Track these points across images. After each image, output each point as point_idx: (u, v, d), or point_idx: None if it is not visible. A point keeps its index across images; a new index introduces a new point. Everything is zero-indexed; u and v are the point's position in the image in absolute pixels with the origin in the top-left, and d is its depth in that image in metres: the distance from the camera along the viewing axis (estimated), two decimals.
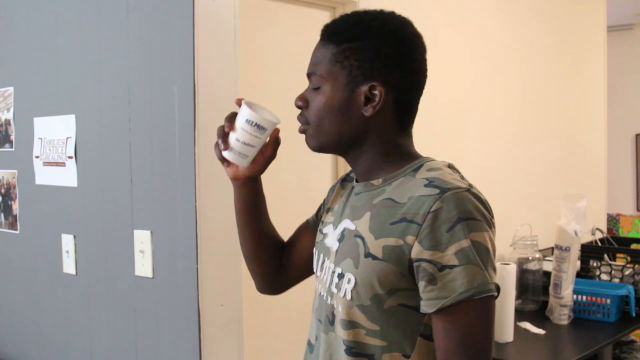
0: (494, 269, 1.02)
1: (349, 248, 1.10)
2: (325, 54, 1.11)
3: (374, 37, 1.08)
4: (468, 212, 0.99)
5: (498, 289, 1.00)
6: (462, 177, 1.09)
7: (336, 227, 1.17)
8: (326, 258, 1.17)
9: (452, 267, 0.97)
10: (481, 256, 0.98)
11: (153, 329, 1.85)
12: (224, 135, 1.17)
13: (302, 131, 1.16)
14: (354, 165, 1.16)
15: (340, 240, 1.13)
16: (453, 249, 0.97)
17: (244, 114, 1.15)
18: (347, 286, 1.07)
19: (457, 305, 0.98)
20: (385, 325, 1.05)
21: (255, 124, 1.14)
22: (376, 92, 1.08)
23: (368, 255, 1.05)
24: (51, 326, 2.20)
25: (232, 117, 1.16)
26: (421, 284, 1.00)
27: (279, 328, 2.18)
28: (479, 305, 0.98)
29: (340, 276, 1.09)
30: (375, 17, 1.11)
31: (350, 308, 1.07)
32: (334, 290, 1.11)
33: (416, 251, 1.00)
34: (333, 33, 1.11)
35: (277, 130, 1.19)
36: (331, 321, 1.12)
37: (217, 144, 1.18)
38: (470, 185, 1.04)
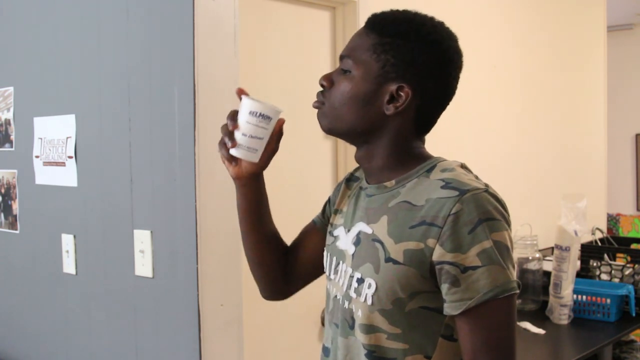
0: (514, 266, 1.03)
1: (368, 252, 1.09)
2: (365, 41, 1.10)
3: (418, 40, 1.07)
4: (488, 212, 1.00)
5: (519, 285, 1.01)
6: (477, 177, 1.09)
7: (349, 230, 1.16)
8: (341, 261, 1.16)
9: (475, 268, 0.98)
10: (502, 255, 0.99)
11: (153, 329, 1.85)
12: (229, 133, 1.14)
13: (316, 106, 1.14)
14: (365, 163, 1.15)
15: (356, 243, 1.12)
16: (475, 250, 0.98)
17: (246, 107, 1.12)
18: (368, 291, 1.07)
19: (482, 306, 0.98)
20: (407, 328, 1.05)
21: (260, 114, 1.12)
22: (402, 93, 1.07)
23: (389, 260, 1.04)
24: (51, 326, 2.20)
25: (234, 116, 1.14)
26: (444, 287, 1.01)
27: (279, 328, 2.18)
28: (502, 304, 0.99)
29: (360, 281, 1.09)
30: (424, 22, 1.10)
31: (371, 313, 1.07)
32: (353, 294, 1.10)
33: (438, 254, 1.00)
34: (379, 23, 1.10)
35: (281, 121, 1.16)
36: (350, 325, 1.11)
37: (222, 144, 1.15)
38: (486, 185, 1.05)
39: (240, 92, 1.16)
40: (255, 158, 1.15)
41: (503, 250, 1.00)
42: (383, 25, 1.09)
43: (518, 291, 1.01)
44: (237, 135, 1.13)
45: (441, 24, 1.12)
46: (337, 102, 1.11)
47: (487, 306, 0.98)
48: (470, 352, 1.00)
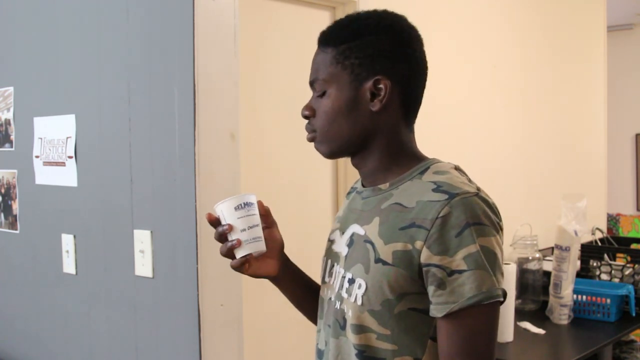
0: (502, 274, 1.02)
1: (359, 253, 1.09)
2: (325, 58, 1.11)
3: (371, 34, 1.09)
4: (476, 217, 0.99)
5: (505, 294, 1.01)
6: (470, 180, 1.08)
7: (343, 233, 1.17)
8: (335, 263, 1.17)
9: (461, 272, 0.98)
10: (489, 261, 0.99)
11: (153, 329, 1.85)
12: (227, 238, 1.13)
13: (310, 139, 1.16)
14: (361, 167, 1.16)
15: (350, 245, 1.13)
16: (462, 254, 0.98)
17: (228, 207, 1.12)
18: (358, 291, 1.07)
19: (465, 310, 0.98)
20: (396, 330, 1.05)
21: (244, 204, 1.12)
22: (381, 85, 1.08)
23: (378, 260, 1.05)
24: (51, 326, 2.20)
25: (219, 223, 1.14)
26: (430, 289, 1.01)
27: (279, 328, 2.18)
28: (485, 310, 0.99)
29: (351, 281, 1.09)
30: (369, 15, 1.12)
31: (361, 313, 1.07)
32: (344, 295, 1.11)
33: (425, 256, 1.00)
34: (330, 36, 1.12)
35: (260, 202, 1.17)
36: (342, 326, 1.12)
37: (228, 252, 1.14)
38: (478, 188, 1.05)
39: (210, 216, 1.16)
40: (263, 246, 1.14)
41: (490, 255, 0.99)
42: (334, 36, 1.11)
43: (503, 300, 1.00)
44: (236, 235, 1.12)
45: (385, 11, 1.13)
46: (326, 124, 1.12)
47: (470, 311, 0.98)
48: (447, 354, 1.00)
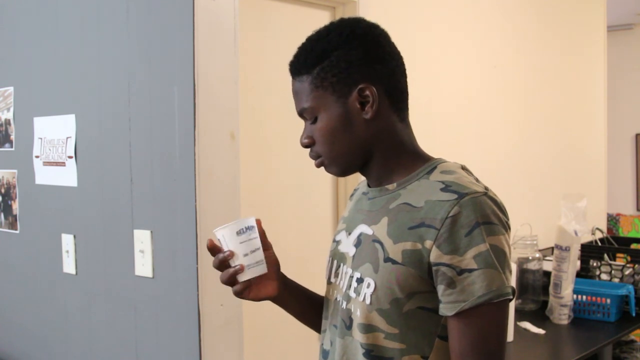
0: (510, 272, 1.03)
1: (368, 253, 1.10)
2: (303, 87, 1.12)
3: (337, 48, 1.09)
4: (486, 216, 1.00)
5: (514, 291, 1.02)
6: (477, 180, 1.09)
7: (350, 233, 1.17)
8: (342, 263, 1.18)
9: (471, 270, 0.99)
10: (499, 260, 1.00)
11: (153, 329, 1.85)
12: (226, 264, 1.14)
13: (319, 165, 1.17)
14: (368, 173, 1.17)
15: (357, 245, 1.14)
16: (472, 253, 0.99)
17: (230, 233, 1.12)
18: (367, 290, 1.08)
19: (475, 309, 0.99)
20: (404, 328, 1.06)
21: (246, 228, 1.12)
22: (367, 92, 1.09)
23: (387, 259, 1.06)
24: (51, 326, 2.20)
25: (217, 250, 1.14)
26: (440, 288, 1.02)
27: (279, 328, 2.18)
28: (495, 308, 1.00)
29: (359, 280, 1.10)
30: (329, 31, 1.12)
31: (370, 312, 1.07)
32: (352, 294, 1.11)
33: (435, 255, 1.01)
34: (300, 65, 1.12)
35: (258, 221, 1.16)
36: (348, 325, 1.13)
37: (229, 279, 1.14)
38: (486, 188, 1.06)
39: (211, 243, 1.16)
40: (265, 268, 1.15)
41: (500, 254, 1.00)
42: (304, 63, 1.12)
43: (512, 297, 1.01)
44: (238, 261, 1.12)
45: (340, 20, 1.14)
46: (328, 147, 1.13)
47: (480, 309, 0.99)
48: (458, 354, 1.01)
